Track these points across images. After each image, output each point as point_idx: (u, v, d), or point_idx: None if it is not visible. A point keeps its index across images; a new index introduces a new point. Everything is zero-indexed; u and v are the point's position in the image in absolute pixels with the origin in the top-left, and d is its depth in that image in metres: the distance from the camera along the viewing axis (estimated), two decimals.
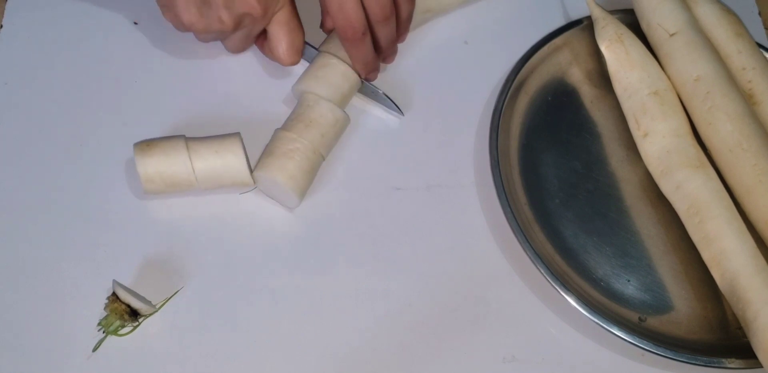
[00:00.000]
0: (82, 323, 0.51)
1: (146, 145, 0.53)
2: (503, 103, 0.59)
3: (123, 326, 0.50)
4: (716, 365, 0.52)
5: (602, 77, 0.62)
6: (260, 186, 0.56)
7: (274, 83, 0.60)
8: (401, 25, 0.56)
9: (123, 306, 0.49)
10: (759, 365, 0.49)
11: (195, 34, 0.53)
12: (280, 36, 0.54)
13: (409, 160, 0.59)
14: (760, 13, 0.69)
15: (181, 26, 0.53)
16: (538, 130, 0.61)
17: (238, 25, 0.52)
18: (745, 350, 0.51)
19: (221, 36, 0.55)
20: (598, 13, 0.61)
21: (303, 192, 0.54)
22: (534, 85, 0.62)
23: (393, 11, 0.53)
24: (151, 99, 0.59)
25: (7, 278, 0.52)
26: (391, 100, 0.59)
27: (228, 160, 0.53)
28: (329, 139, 0.56)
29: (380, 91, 0.59)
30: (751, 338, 0.49)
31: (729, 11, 0.61)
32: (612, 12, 0.62)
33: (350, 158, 0.59)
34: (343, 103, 0.57)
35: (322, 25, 0.58)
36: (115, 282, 0.51)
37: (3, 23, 0.61)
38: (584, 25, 0.63)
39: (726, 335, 0.55)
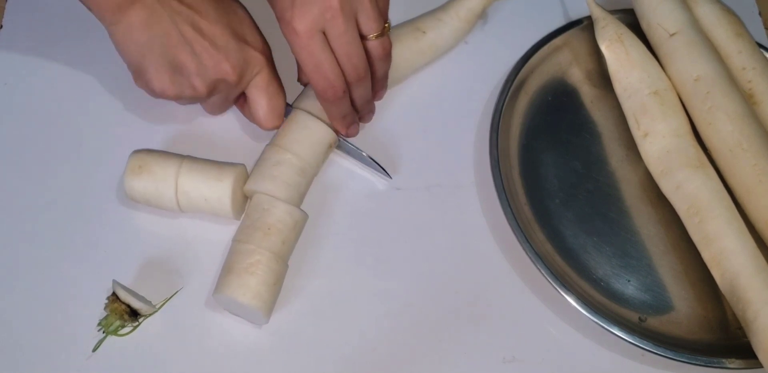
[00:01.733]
0: (82, 323, 0.51)
1: (138, 166, 0.52)
2: (503, 103, 0.59)
3: (123, 326, 0.50)
4: (716, 365, 0.52)
5: (602, 77, 0.62)
6: (224, 305, 0.52)
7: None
8: (377, 83, 0.55)
9: (123, 306, 0.49)
10: (759, 365, 0.49)
11: (166, 98, 0.51)
12: (260, 101, 0.52)
13: (409, 160, 0.59)
14: (760, 13, 0.69)
15: (153, 93, 0.50)
16: (538, 130, 0.61)
17: (212, 91, 0.50)
18: (745, 350, 0.51)
19: (197, 101, 0.53)
20: (598, 13, 0.61)
21: (270, 309, 0.51)
22: (534, 85, 0.62)
23: (368, 71, 0.52)
24: (152, 99, 0.58)
25: (7, 278, 0.52)
26: (376, 162, 0.57)
27: (212, 200, 0.52)
28: (291, 244, 0.52)
29: (364, 154, 0.57)
30: (751, 338, 0.49)
31: (729, 11, 0.61)
32: (612, 12, 0.62)
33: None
34: (300, 199, 0.54)
35: (299, 79, 0.57)
36: (115, 282, 0.51)
37: (3, 23, 0.61)
38: (584, 25, 0.63)
39: (726, 335, 0.55)
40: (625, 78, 0.58)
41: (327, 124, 0.55)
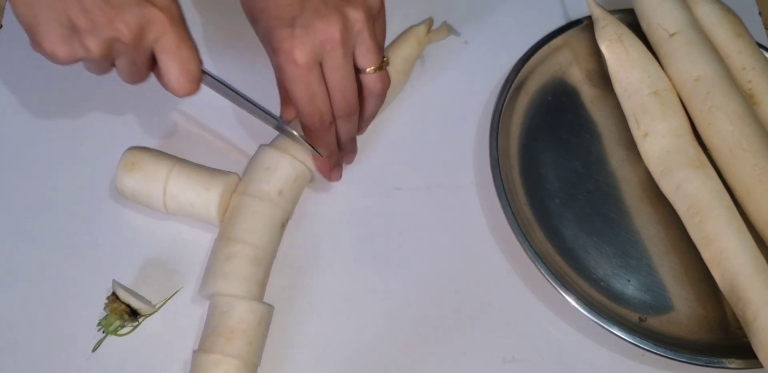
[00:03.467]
0: (82, 323, 0.51)
1: (131, 163, 0.51)
2: (503, 103, 0.59)
3: (123, 326, 0.50)
4: (716, 365, 0.52)
5: (602, 77, 0.62)
6: None
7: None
8: (363, 121, 0.53)
9: (123, 306, 0.49)
10: (759, 365, 0.49)
11: (59, 63, 0.46)
12: (169, 65, 0.47)
13: (409, 160, 0.59)
14: (760, 13, 0.69)
15: (47, 56, 0.45)
16: (538, 130, 0.61)
17: (107, 52, 0.45)
18: (745, 350, 0.51)
19: (96, 66, 0.48)
20: (598, 13, 0.61)
21: None
22: (534, 85, 0.62)
23: (357, 106, 0.50)
24: (151, 99, 0.59)
25: (7, 278, 0.52)
26: (306, 140, 0.53)
27: (199, 207, 0.51)
28: (259, 343, 0.49)
29: (294, 132, 0.52)
30: (751, 338, 0.49)
31: (729, 11, 0.61)
32: (612, 12, 0.62)
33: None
34: (261, 290, 0.51)
35: (281, 116, 0.53)
36: (115, 282, 0.51)
37: (3, 23, 0.61)
38: (584, 25, 0.63)
39: (726, 335, 0.55)
40: (625, 78, 0.58)
41: (273, 201, 0.52)
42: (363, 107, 0.52)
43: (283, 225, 0.53)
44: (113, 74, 0.59)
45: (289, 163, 0.53)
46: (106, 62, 0.47)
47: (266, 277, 0.52)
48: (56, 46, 0.45)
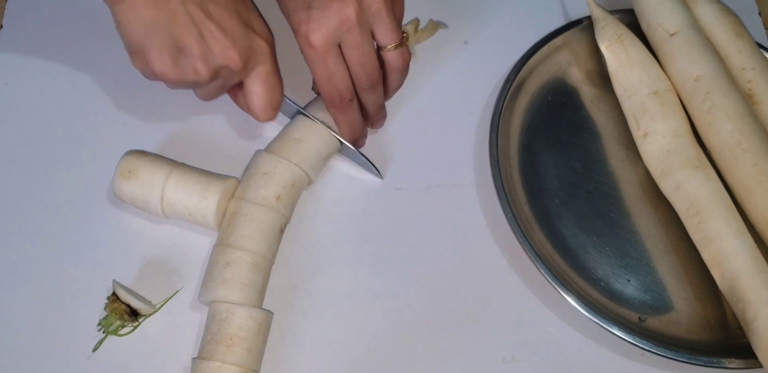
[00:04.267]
0: (82, 323, 0.51)
1: (128, 171, 0.51)
2: (503, 103, 0.59)
3: (123, 326, 0.50)
4: (716, 365, 0.52)
5: (602, 77, 0.62)
6: None
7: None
8: (388, 94, 0.55)
9: (123, 306, 0.49)
10: (759, 365, 0.49)
11: (166, 83, 0.49)
12: (258, 91, 0.51)
13: (409, 160, 0.59)
14: (760, 13, 0.69)
15: (152, 75, 0.49)
16: (538, 130, 0.61)
17: (214, 77, 0.49)
18: (745, 350, 0.51)
19: (195, 86, 0.51)
20: (598, 13, 0.61)
21: None
22: (534, 85, 0.62)
23: (380, 78, 0.52)
24: (151, 99, 0.59)
25: (7, 278, 0.52)
26: (371, 162, 0.57)
27: (197, 215, 0.52)
28: (258, 350, 0.49)
29: (361, 154, 0.56)
30: (751, 338, 0.49)
31: (729, 11, 0.61)
32: (612, 12, 0.62)
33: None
34: (261, 296, 0.51)
35: (313, 88, 0.57)
36: (115, 282, 0.51)
37: (3, 23, 0.61)
38: (584, 25, 0.63)
39: (726, 335, 0.55)
40: (625, 78, 0.58)
41: (272, 207, 0.52)
42: (387, 82, 0.54)
43: (282, 230, 0.53)
44: (113, 75, 0.59)
45: (287, 168, 0.53)
46: (207, 84, 0.50)
47: (265, 283, 0.52)
48: (168, 69, 0.47)
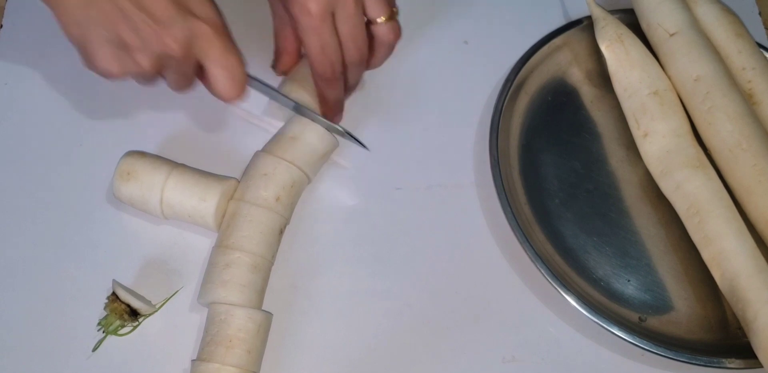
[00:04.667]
0: (82, 323, 0.51)
1: (127, 173, 0.51)
2: (503, 103, 0.59)
3: (123, 326, 0.51)
4: (716, 365, 0.52)
5: (602, 77, 0.62)
6: None
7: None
8: (370, 68, 0.55)
9: (123, 306, 0.49)
10: (759, 365, 0.49)
11: (112, 79, 0.48)
12: (217, 73, 0.48)
13: (409, 160, 0.59)
14: (760, 13, 0.69)
15: (100, 73, 0.47)
16: (538, 130, 0.61)
17: (158, 67, 0.47)
18: (745, 350, 0.51)
19: (146, 78, 0.49)
20: (598, 13, 0.61)
21: None
22: (534, 85, 0.62)
23: (367, 55, 0.52)
24: (151, 99, 0.59)
25: (7, 278, 0.52)
26: (352, 135, 0.56)
27: (196, 217, 0.52)
28: (258, 351, 0.49)
29: (340, 128, 0.55)
30: (751, 338, 0.49)
31: (729, 11, 0.61)
32: (612, 12, 0.62)
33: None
34: (260, 298, 0.51)
35: (274, 66, 0.56)
36: (115, 282, 0.51)
37: (3, 23, 0.61)
38: (584, 25, 0.63)
39: (726, 335, 0.55)
40: (625, 78, 0.58)
41: (271, 208, 0.52)
42: (372, 56, 0.53)
43: (282, 231, 0.53)
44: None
45: (287, 169, 0.53)
46: (156, 74, 0.49)
47: (265, 284, 0.51)
48: (109, 64, 0.46)
